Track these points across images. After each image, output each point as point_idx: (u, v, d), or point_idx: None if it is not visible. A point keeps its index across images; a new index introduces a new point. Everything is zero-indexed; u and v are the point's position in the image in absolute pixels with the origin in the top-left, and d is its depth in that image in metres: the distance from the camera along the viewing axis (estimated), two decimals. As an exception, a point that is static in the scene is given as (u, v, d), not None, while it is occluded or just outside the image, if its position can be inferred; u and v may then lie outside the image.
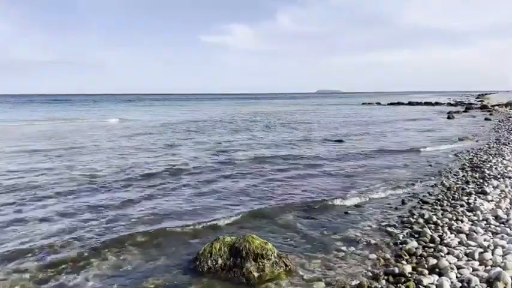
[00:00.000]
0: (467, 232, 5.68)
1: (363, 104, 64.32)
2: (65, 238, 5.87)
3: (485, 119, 27.77)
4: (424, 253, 5.11)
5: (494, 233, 5.60)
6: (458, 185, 8.67)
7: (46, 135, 19.85)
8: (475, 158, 11.88)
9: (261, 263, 4.70)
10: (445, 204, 7.25)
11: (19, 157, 12.86)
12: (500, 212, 6.38)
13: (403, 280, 4.36)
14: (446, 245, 5.26)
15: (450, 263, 4.64)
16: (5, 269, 4.90)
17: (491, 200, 7.24)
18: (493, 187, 8.17)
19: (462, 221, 6.20)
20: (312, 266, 4.91)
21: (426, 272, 4.52)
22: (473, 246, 5.17)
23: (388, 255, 5.14)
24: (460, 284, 4.17)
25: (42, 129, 23.53)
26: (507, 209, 6.67)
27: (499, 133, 18.95)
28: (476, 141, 16.35)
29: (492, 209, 6.69)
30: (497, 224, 5.97)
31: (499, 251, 4.92)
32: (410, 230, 6.02)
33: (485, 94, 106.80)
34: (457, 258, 4.85)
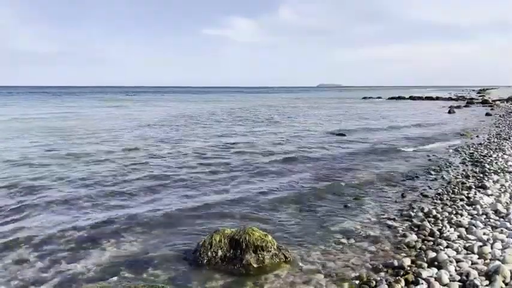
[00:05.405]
0: (467, 226, 5.69)
1: (363, 98, 64.30)
2: (63, 228, 5.89)
3: (486, 113, 27.71)
4: (423, 246, 5.12)
5: (494, 227, 5.61)
6: (458, 179, 8.68)
7: None
8: (476, 153, 11.87)
9: (260, 255, 4.71)
10: (444, 198, 7.26)
11: None
12: (500, 207, 6.38)
13: (402, 273, 4.37)
14: (446, 239, 5.27)
15: (449, 257, 4.64)
16: (5, 259, 4.92)
17: (491, 195, 7.24)
18: (493, 181, 8.17)
19: (462, 215, 6.20)
20: (312, 258, 4.92)
21: (425, 265, 4.53)
22: (473, 240, 5.18)
23: (387, 248, 5.15)
24: (459, 277, 4.18)
25: None
26: (507, 203, 6.67)
27: (500, 128, 18.93)
28: (477, 136, 16.34)
29: (492, 203, 6.69)
30: (497, 218, 5.98)
31: (498, 244, 4.93)
32: (409, 223, 6.03)
33: (487, 89, 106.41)
34: (456, 251, 4.86)
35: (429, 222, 5.97)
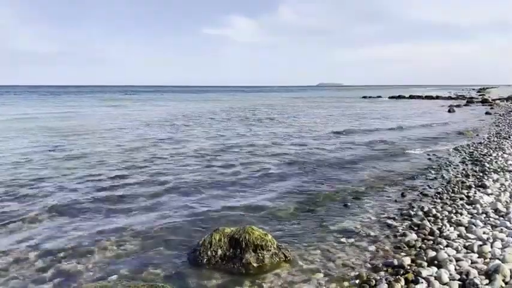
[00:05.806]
0: (467, 225, 5.68)
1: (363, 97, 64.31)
2: (63, 228, 5.89)
3: (486, 112, 27.72)
4: (423, 245, 5.12)
5: (494, 226, 5.60)
6: (458, 178, 8.67)
7: None
8: (476, 152, 11.87)
9: (260, 254, 4.71)
10: (444, 197, 7.26)
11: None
12: (499, 206, 6.38)
13: (402, 272, 4.37)
14: (446, 238, 5.27)
15: (449, 256, 4.64)
16: (5, 258, 4.92)
17: (491, 194, 7.24)
18: (492, 181, 8.17)
19: (461, 214, 6.20)
20: (311, 257, 4.92)
21: (425, 264, 4.53)
22: (473, 239, 5.18)
23: (387, 247, 5.15)
24: (459, 276, 4.17)
25: None
26: (507, 202, 6.67)
27: (500, 127, 18.93)
28: (477, 135, 16.34)
29: (492, 202, 6.69)
30: (497, 217, 5.97)
31: (498, 243, 4.93)
32: (409, 223, 6.02)
33: (486, 88, 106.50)
34: (456, 250, 4.85)
35: (429, 221, 5.96)
